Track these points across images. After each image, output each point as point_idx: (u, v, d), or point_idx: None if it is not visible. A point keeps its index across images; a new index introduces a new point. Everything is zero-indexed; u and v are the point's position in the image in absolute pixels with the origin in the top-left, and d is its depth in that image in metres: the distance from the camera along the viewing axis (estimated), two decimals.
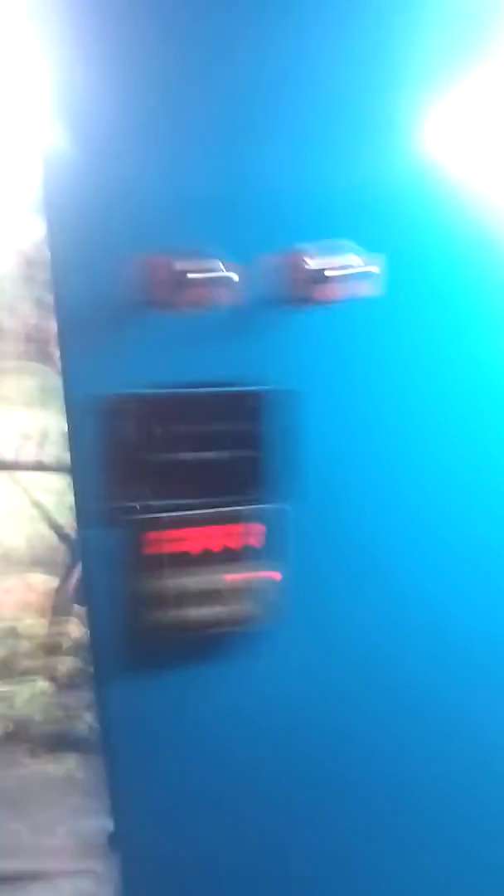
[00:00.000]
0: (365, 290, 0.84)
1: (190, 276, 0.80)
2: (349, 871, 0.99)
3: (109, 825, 0.97)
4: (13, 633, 5.33)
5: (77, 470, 0.82)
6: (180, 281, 0.79)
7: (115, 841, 0.92)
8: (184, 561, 0.81)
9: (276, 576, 0.84)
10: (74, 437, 0.80)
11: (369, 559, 0.89)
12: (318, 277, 0.84)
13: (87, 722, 4.46)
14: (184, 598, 0.82)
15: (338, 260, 0.84)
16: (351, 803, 0.97)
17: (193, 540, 0.82)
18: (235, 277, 0.80)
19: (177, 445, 0.79)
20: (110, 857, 3.39)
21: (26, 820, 3.72)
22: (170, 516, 0.80)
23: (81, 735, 4.31)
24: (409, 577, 0.91)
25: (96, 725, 4.55)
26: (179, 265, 0.79)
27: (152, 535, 0.80)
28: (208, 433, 0.81)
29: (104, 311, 0.79)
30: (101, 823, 3.61)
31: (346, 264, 0.83)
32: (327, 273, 0.85)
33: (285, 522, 0.85)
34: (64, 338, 0.81)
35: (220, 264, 0.79)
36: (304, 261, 0.82)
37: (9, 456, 5.22)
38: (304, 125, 0.83)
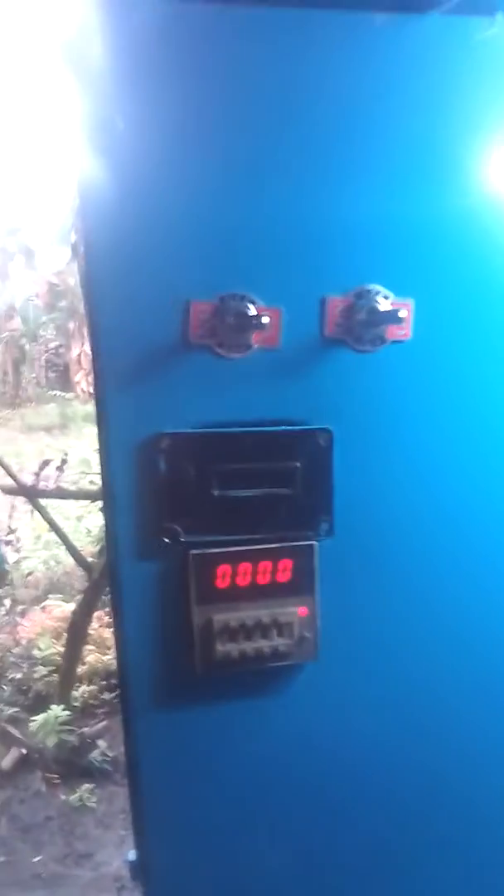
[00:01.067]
0: (398, 332, 0.86)
1: (228, 319, 0.82)
2: None
3: (132, 855, 0.97)
4: (29, 658, 5.34)
5: (114, 506, 0.84)
6: (219, 323, 0.82)
7: (140, 873, 0.92)
8: (223, 595, 0.82)
9: (307, 611, 0.85)
10: (111, 475, 0.82)
11: (405, 595, 0.89)
12: (351, 320, 0.86)
13: (101, 750, 4.43)
14: (223, 632, 0.83)
15: (371, 303, 0.86)
16: (387, 843, 0.96)
17: (233, 575, 0.83)
18: (270, 320, 0.82)
19: (215, 483, 0.80)
20: (129, 888, 3.34)
21: (37, 849, 3.68)
22: (210, 552, 0.82)
23: (95, 764, 4.28)
24: (446, 613, 0.91)
25: (110, 754, 4.53)
26: (218, 308, 0.81)
27: (192, 568, 0.81)
28: (247, 471, 0.82)
29: (143, 352, 0.81)
30: (115, 854, 3.57)
31: (378, 307, 0.85)
32: (360, 317, 0.87)
33: (322, 558, 0.86)
34: (102, 377, 0.83)
35: (258, 307, 0.81)
36: (340, 304, 0.84)
37: (29, 481, 5.28)
38: (342, 165, 0.85)
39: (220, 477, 0.83)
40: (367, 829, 0.95)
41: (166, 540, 0.83)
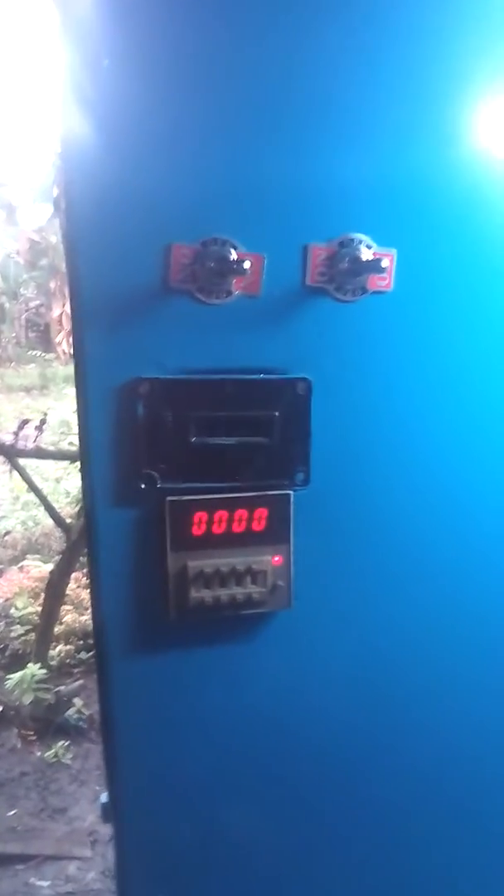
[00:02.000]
0: (380, 282, 0.85)
1: (209, 263, 0.80)
2: (354, 858, 1.00)
3: (104, 798, 0.98)
4: (6, 616, 5.35)
5: (90, 452, 0.83)
6: (199, 268, 0.80)
7: (112, 815, 0.93)
8: (198, 542, 0.82)
9: (281, 559, 0.86)
10: (88, 421, 0.81)
11: (380, 546, 0.90)
12: (333, 269, 0.84)
13: (76, 708, 4.48)
14: (197, 578, 0.83)
15: (354, 252, 0.84)
16: (360, 790, 0.98)
17: (209, 522, 0.83)
18: (252, 266, 0.81)
19: (193, 430, 0.80)
20: (102, 841, 3.40)
21: (12, 803, 3.73)
22: (186, 499, 0.81)
23: (71, 721, 4.33)
24: (420, 562, 0.92)
25: (86, 713, 4.58)
26: (199, 252, 0.80)
27: (168, 514, 0.81)
28: (225, 419, 0.81)
29: (122, 296, 0.80)
30: (89, 809, 3.63)
31: (361, 257, 0.84)
32: (342, 266, 0.85)
33: (298, 508, 0.86)
34: (80, 322, 0.81)
35: (239, 252, 0.79)
36: (323, 252, 0.83)
37: (8, 442, 5.24)
38: (330, 111, 0.83)
39: (198, 424, 0.82)
40: (340, 776, 0.97)
41: (143, 486, 0.82)
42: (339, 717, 0.95)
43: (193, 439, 0.82)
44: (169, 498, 0.83)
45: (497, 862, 1.08)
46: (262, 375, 0.84)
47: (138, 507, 0.83)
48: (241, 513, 0.85)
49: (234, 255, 0.81)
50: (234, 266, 0.80)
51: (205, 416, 0.82)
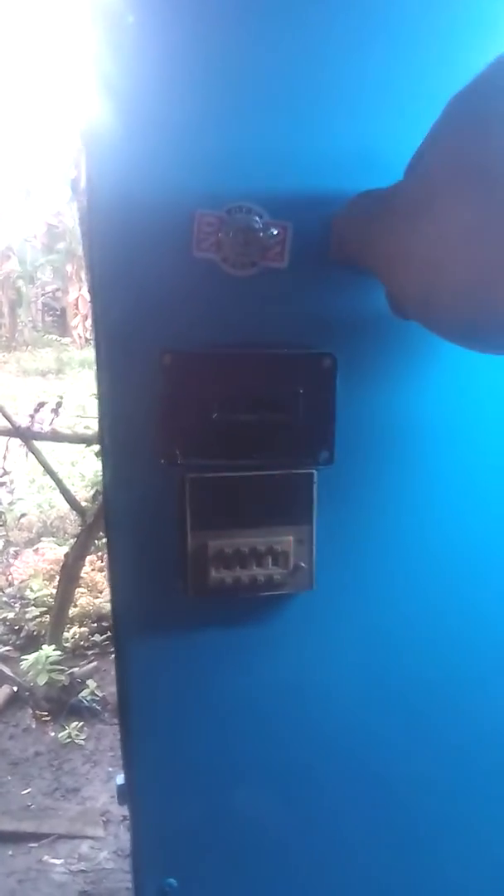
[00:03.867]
0: None
1: (234, 232, 0.78)
2: (366, 844, 0.99)
3: (120, 779, 0.97)
4: (21, 598, 5.39)
5: (110, 426, 0.81)
6: (224, 236, 0.77)
7: (128, 797, 0.92)
8: (218, 521, 0.80)
9: (303, 540, 0.83)
10: (109, 394, 0.79)
11: (404, 528, 0.88)
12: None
13: (90, 690, 4.50)
14: (217, 558, 0.81)
15: None
16: (374, 776, 0.96)
17: (230, 500, 0.81)
18: (279, 236, 0.78)
19: (215, 405, 0.77)
20: (114, 821, 3.43)
21: (26, 782, 3.77)
22: (207, 476, 0.79)
23: (85, 703, 4.36)
24: (442, 547, 0.90)
25: (99, 694, 4.60)
26: (224, 219, 0.77)
27: (188, 492, 0.79)
28: (248, 394, 0.79)
29: (144, 265, 0.77)
30: (102, 789, 3.65)
31: None
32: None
33: (321, 487, 0.84)
34: (101, 293, 0.79)
35: (265, 221, 0.77)
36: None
37: (24, 424, 5.25)
38: (357, 88, 0.80)
39: (221, 399, 0.80)
40: (356, 763, 0.95)
41: (163, 461, 0.80)
42: (356, 701, 0.93)
43: (215, 415, 0.80)
44: (189, 475, 0.81)
45: None
46: (286, 350, 0.82)
47: (158, 484, 0.82)
48: (263, 491, 0.83)
49: (259, 224, 0.78)
50: (260, 235, 0.77)
51: (227, 392, 0.80)
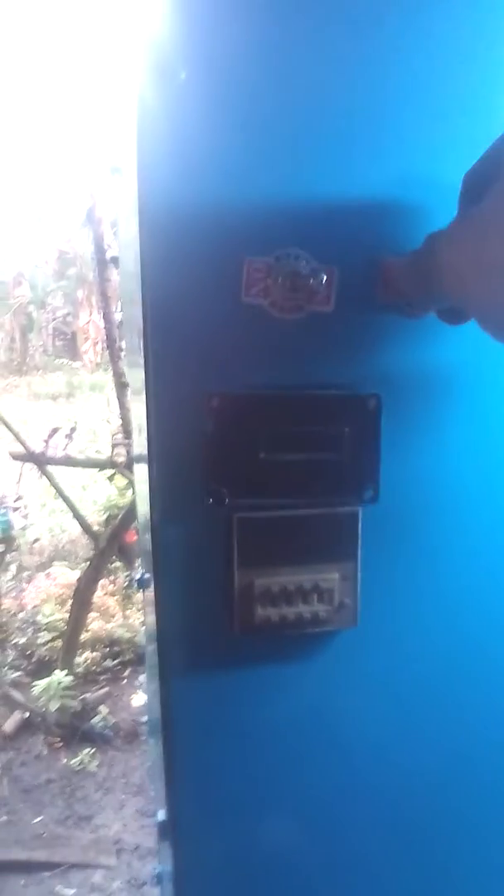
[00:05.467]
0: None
1: (282, 277, 0.80)
2: (416, 874, 0.99)
3: (161, 815, 0.98)
4: (33, 623, 5.39)
5: (158, 465, 0.83)
6: (272, 283, 0.80)
7: (170, 832, 0.93)
8: (265, 559, 0.82)
9: (348, 577, 0.85)
10: (156, 434, 0.81)
11: (446, 567, 0.89)
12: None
13: (102, 716, 4.49)
14: (264, 595, 0.82)
15: None
16: (415, 821, 0.96)
17: (276, 539, 0.82)
18: (325, 280, 0.81)
19: (262, 445, 0.79)
20: (127, 850, 3.40)
21: (38, 810, 3.74)
22: (254, 515, 0.81)
23: (97, 730, 4.34)
24: (486, 589, 0.91)
25: (111, 720, 4.58)
26: (272, 265, 0.80)
27: (236, 531, 0.81)
28: (294, 434, 0.81)
29: (194, 309, 0.80)
30: (114, 818, 3.62)
31: None
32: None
33: (365, 525, 0.85)
34: (154, 333, 0.81)
35: (312, 266, 0.79)
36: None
37: (38, 449, 5.29)
38: (403, 128, 0.83)
39: (268, 440, 0.82)
40: (396, 803, 0.95)
41: (210, 501, 0.82)
42: (394, 737, 0.94)
43: (262, 455, 0.82)
44: (237, 514, 0.83)
45: None
46: (332, 391, 0.84)
47: (205, 523, 0.83)
48: (309, 529, 0.84)
49: (306, 270, 0.80)
50: (309, 280, 0.80)
51: (274, 432, 0.82)
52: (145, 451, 0.89)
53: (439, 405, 0.87)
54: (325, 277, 0.80)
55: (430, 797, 0.96)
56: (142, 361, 0.86)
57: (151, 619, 1.08)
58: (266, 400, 0.82)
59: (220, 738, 0.87)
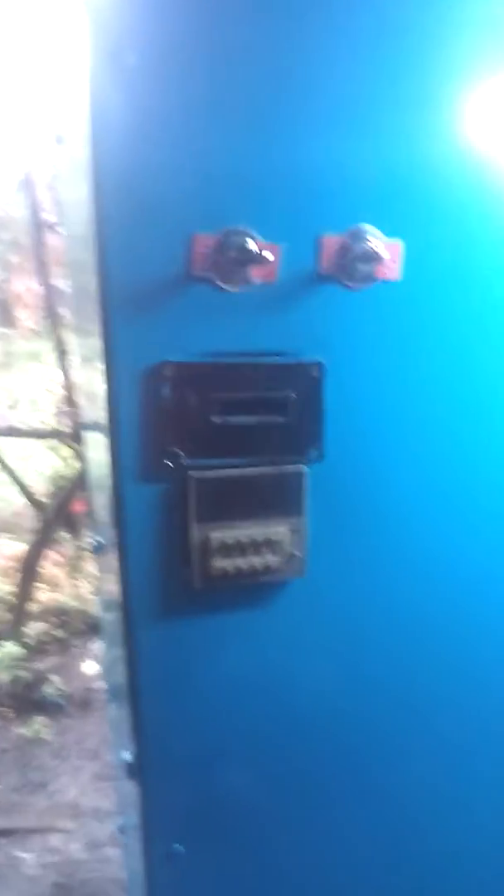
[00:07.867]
0: (388, 272, 0.90)
1: (229, 253, 0.85)
2: (372, 819, 1.07)
3: (127, 756, 1.04)
4: None
5: (118, 432, 0.87)
6: (220, 257, 0.84)
7: (137, 772, 0.99)
8: (220, 514, 0.88)
9: (296, 530, 0.92)
10: (116, 402, 0.85)
11: (388, 520, 0.96)
12: (345, 259, 0.90)
13: (54, 685, 4.50)
14: (220, 549, 0.89)
15: (363, 243, 0.90)
16: (368, 758, 1.05)
17: (229, 495, 0.88)
18: (271, 257, 0.86)
19: (215, 410, 0.85)
20: (85, 814, 3.45)
21: None
22: (209, 474, 0.87)
23: (50, 699, 4.36)
24: (425, 537, 0.98)
25: (63, 689, 4.60)
26: (221, 241, 0.84)
27: (192, 489, 0.86)
28: (244, 399, 0.87)
29: (147, 282, 0.84)
30: (70, 784, 3.68)
31: (371, 248, 0.89)
32: (352, 256, 0.91)
33: (312, 482, 0.92)
34: (109, 309, 0.85)
35: (258, 243, 0.84)
36: (333, 242, 0.88)
37: None
38: (342, 107, 0.87)
39: (220, 404, 0.87)
40: (343, 739, 1.04)
41: (168, 463, 0.87)
42: (344, 680, 1.02)
43: (215, 419, 0.88)
44: (193, 473, 0.88)
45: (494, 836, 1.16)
46: (278, 359, 0.89)
47: (163, 483, 0.89)
48: (260, 486, 0.91)
49: (253, 246, 0.85)
50: (254, 256, 0.85)
51: (226, 398, 0.88)
52: (99, 419, 0.94)
53: (381, 371, 0.94)
54: (269, 253, 0.85)
55: (376, 733, 1.05)
56: (94, 330, 0.90)
57: (107, 586, 1.13)
58: (217, 368, 0.87)
59: (181, 682, 0.94)
